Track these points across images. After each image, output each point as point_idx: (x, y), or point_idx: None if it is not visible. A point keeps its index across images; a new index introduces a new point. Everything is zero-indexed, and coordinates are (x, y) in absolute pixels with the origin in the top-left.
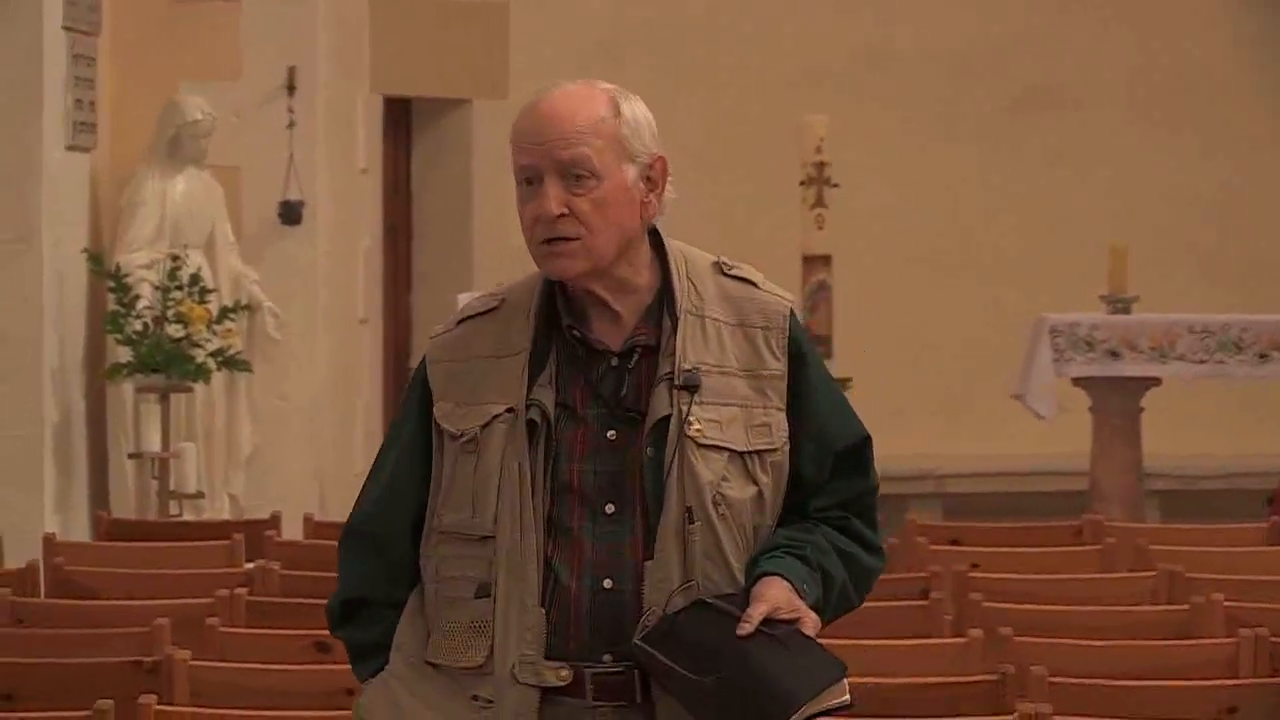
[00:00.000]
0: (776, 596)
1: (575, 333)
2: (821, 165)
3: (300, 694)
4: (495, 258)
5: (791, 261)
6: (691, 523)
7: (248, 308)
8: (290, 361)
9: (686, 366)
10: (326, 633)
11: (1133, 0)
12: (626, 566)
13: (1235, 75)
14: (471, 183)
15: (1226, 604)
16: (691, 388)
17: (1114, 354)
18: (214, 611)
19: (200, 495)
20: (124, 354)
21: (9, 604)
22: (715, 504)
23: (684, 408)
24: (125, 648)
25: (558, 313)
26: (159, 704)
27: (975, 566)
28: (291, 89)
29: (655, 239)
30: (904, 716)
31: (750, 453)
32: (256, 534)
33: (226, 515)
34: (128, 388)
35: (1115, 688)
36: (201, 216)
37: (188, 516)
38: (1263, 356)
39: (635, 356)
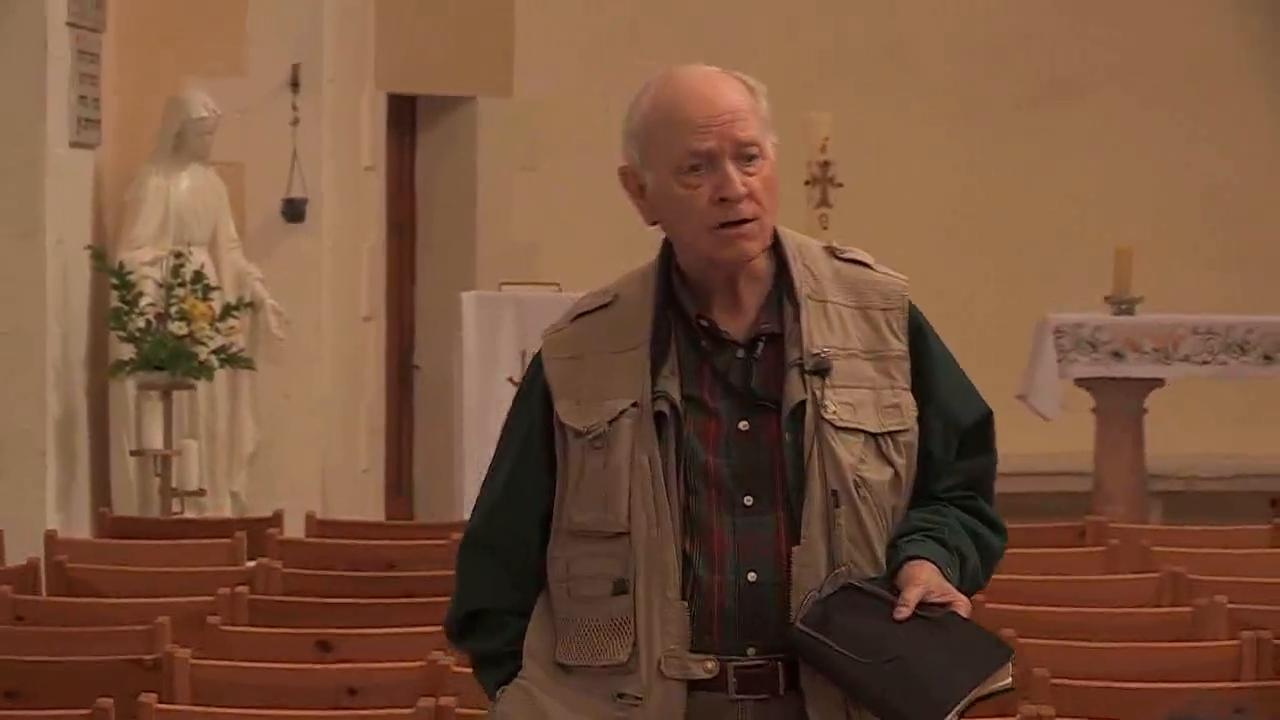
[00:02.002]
0: (929, 580)
1: (704, 322)
2: (826, 164)
3: (301, 692)
4: (499, 255)
5: None
6: (837, 506)
7: (251, 305)
8: (293, 359)
9: (815, 351)
10: (328, 631)
11: None
12: (769, 558)
13: (1249, 70)
14: (476, 180)
15: (1230, 606)
16: (822, 371)
17: (1118, 355)
18: (215, 610)
19: (202, 493)
20: (127, 351)
21: (11, 601)
22: (856, 486)
23: (818, 392)
24: (126, 645)
25: (676, 304)
26: (160, 702)
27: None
28: (296, 86)
29: None
30: None
31: (884, 434)
32: (258, 532)
33: (228, 513)
34: (130, 385)
35: (1118, 690)
36: (205, 213)
37: (190, 514)
38: (1267, 358)
39: (760, 345)
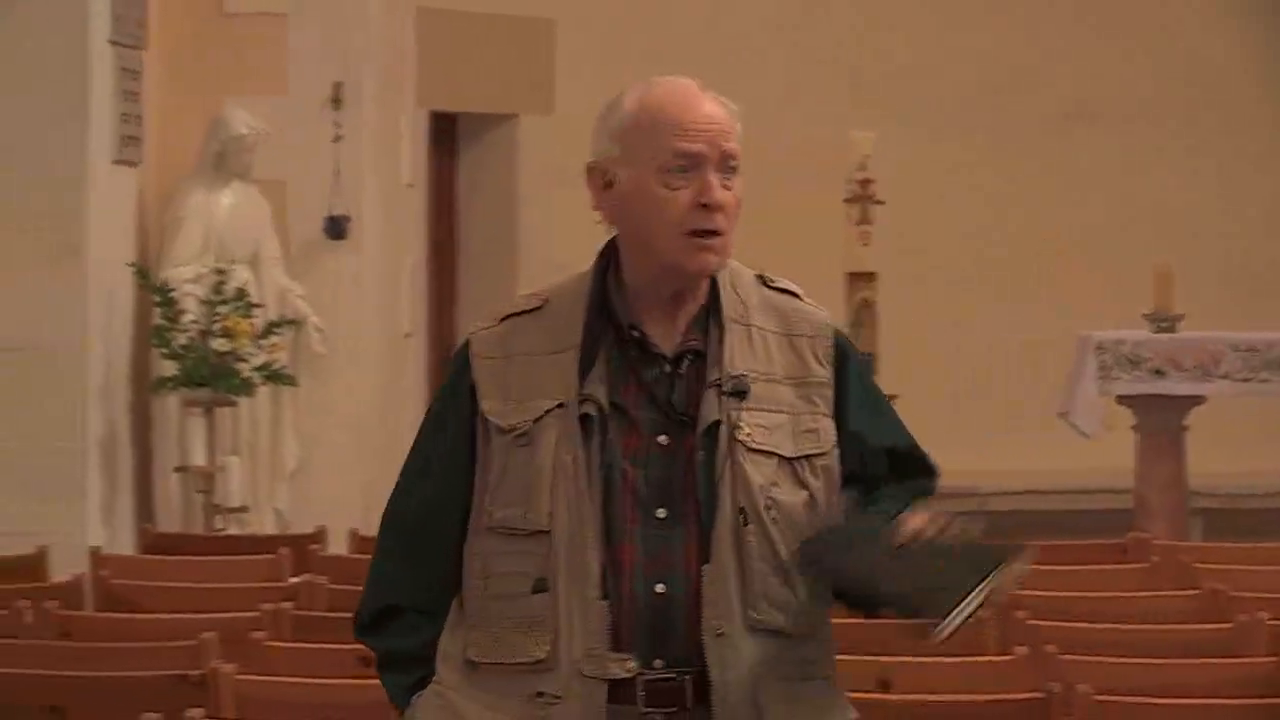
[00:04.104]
0: (921, 518)
1: (635, 333)
2: (866, 182)
3: (345, 707)
4: (539, 272)
5: (835, 279)
6: (746, 525)
7: (293, 322)
8: (335, 376)
9: (734, 373)
10: None
11: (1177, 16)
12: (678, 571)
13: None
14: (517, 197)
15: (1270, 622)
16: (740, 394)
17: (1158, 372)
18: (259, 625)
19: (245, 509)
20: (169, 368)
21: (56, 617)
22: (767, 507)
23: (734, 413)
24: (171, 661)
25: (609, 312)
26: (205, 717)
27: (1020, 583)
28: (338, 103)
29: None
30: None
31: (798, 458)
32: (302, 548)
33: (271, 530)
34: (173, 401)
35: (1159, 706)
36: (247, 231)
37: (232, 531)
38: None
39: (686, 361)
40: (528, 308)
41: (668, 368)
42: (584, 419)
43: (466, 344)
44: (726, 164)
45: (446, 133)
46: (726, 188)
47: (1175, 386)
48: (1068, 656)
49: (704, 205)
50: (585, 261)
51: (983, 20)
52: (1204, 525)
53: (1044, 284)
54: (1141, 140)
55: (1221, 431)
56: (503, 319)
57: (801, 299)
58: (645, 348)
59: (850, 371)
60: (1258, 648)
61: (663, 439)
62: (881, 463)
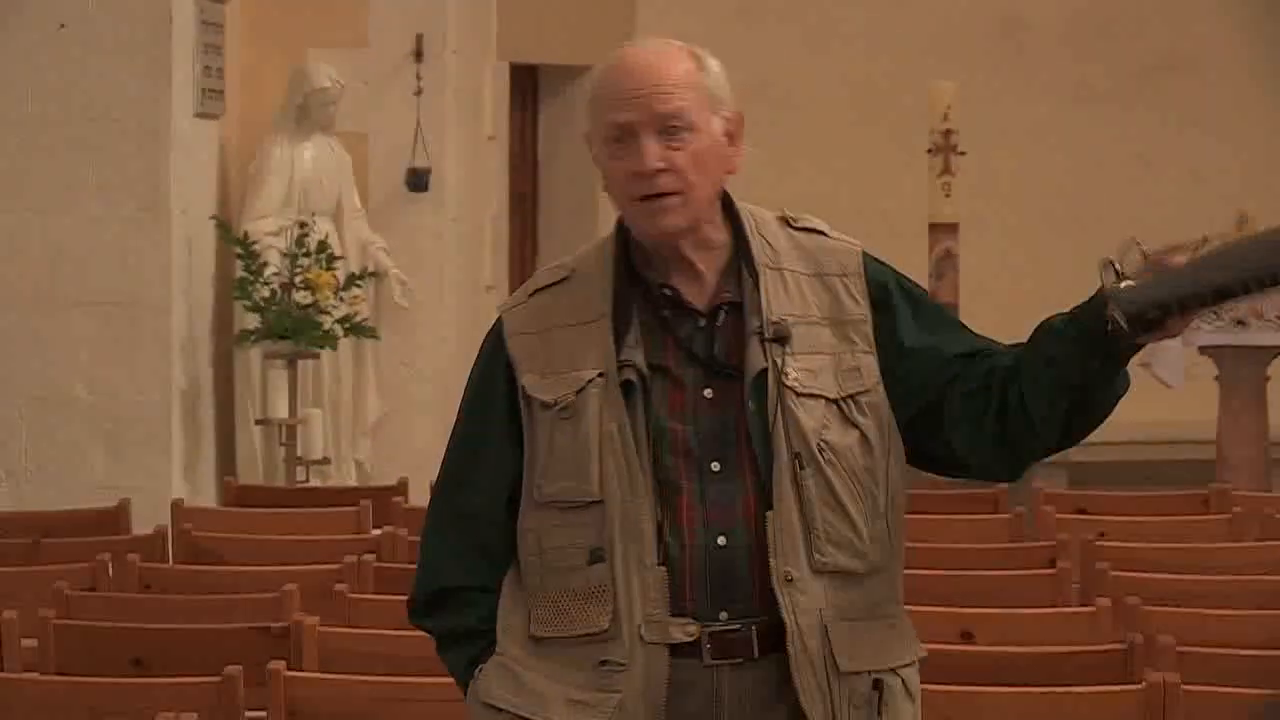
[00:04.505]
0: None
1: (667, 291)
2: (949, 133)
3: (427, 660)
4: None
5: (918, 229)
6: (802, 468)
7: (375, 275)
8: (416, 328)
9: (774, 319)
10: None
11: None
12: (740, 522)
13: None
14: None
15: None
16: (782, 339)
17: (1241, 323)
18: (342, 578)
19: (327, 461)
20: (252, 321)
21: (138, 569)
22: (820, 450)
23: (778, 360)
24: (253, 614)
25: (636, 275)
26: (288, 669)
27: (1102, 535)
28: (419, 56)
29: (723, 197)
30: (1031, 685)
31: (844, 398)
32: (384, 500)
33: (353, 482)
34: (255, 354)
35: (1243, 657)
36: (329, 183)
37: (314, 483)
38: None
39: (722, 314)
40: (554, 280)
41: (703, 322)
42: (625, 386)
43: (499, 323)
44: (665, 126)
45: (527, 85)
46: (674, 148)
47: (1258, 337)
48: (1150, 608)
49: (635, 173)
50: None
51: None
52: None
53: (1127, 234)
54: (1225, 89)
55: None
56: (531, 294)
57: (827, 235)
58: (679, 305)
59: (893, 296)
60: None
61: (708, 393)
62: (957, 366)
